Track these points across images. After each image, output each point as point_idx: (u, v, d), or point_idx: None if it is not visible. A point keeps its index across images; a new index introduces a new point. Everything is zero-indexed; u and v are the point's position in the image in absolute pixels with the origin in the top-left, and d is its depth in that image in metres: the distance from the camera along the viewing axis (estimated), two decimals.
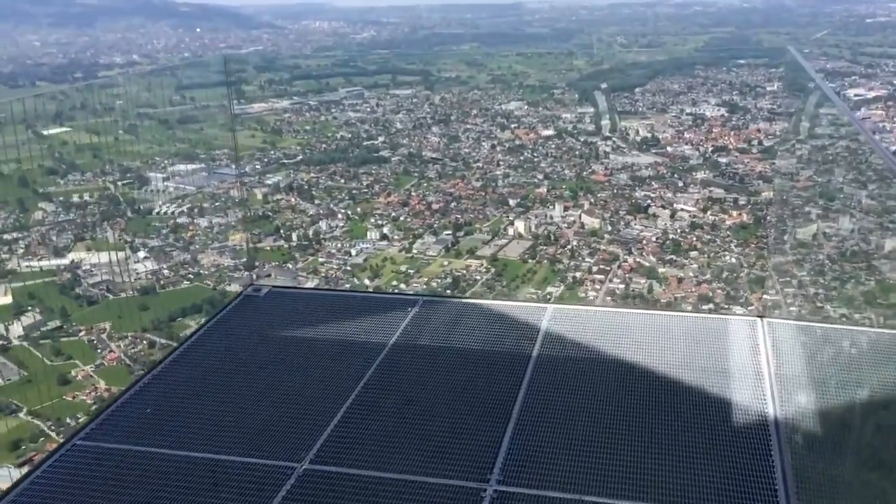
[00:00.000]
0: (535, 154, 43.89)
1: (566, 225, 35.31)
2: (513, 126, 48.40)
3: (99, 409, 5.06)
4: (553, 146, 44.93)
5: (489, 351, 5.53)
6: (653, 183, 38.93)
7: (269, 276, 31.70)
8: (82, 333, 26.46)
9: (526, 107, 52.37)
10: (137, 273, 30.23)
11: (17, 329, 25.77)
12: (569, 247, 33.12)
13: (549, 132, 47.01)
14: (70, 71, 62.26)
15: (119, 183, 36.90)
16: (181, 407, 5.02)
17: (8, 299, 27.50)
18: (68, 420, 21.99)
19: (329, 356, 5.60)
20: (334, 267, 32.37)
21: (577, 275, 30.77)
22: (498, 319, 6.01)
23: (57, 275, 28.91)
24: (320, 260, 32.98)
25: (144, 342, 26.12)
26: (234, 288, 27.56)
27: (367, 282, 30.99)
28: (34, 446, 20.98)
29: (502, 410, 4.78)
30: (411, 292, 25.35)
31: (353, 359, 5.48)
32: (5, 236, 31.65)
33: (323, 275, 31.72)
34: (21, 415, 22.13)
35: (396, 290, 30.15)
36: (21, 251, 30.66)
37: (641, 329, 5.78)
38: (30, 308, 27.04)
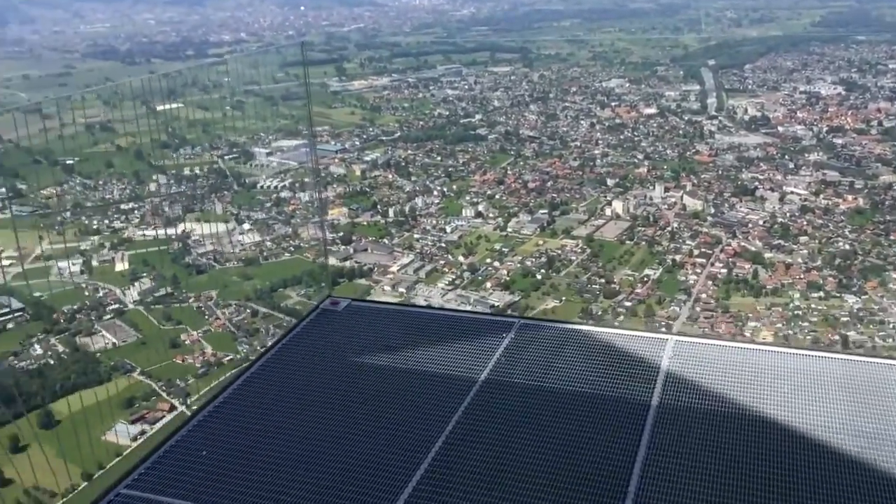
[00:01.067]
0: (635, 133, 42.77)
1: (666, 206, 34.31)
2: (613, 104, 47.27)
3: (153, 448, 4.51)
4: (655, 125, 43.65)
5: (598, 396, 4.68)
6: (761, 164, 37.28)
7: (365, 250, 32.40)
8: (191, 300, 27.84)
9: (627, 84, 51.02)
10: (242, 244, 31.46)
11: (132, 294, 27.40)
12: (668, 229, 32.22)
13: (652, 110, 45.68)
14: (182, 49, 64.97)
15: (226, 157, 38.43)
16: (241, 450, 4.37)
17: (125, 266, 29.27)
18: (178, 381, 23.25)
19: (409, 395, 4.87)
20: (429, 243, 32.70)
21: (677, 258, 29.92)
22: (607, 353, 5.19)
23: (168, 244, 30.46)
24: (416, 236, 33.37)
25: (248, 311, 27.23)
26: (331, 262, 28.29)
27: (461, 258, 31.20)
28: (146, 405, 22.37)
29: (617, 481, 3.91)
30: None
31: (437, 400, 4.73)
32: (122, 206, 33.58)
33: (418, 251, 32.12)
34: (135, 375, 23.56)
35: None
36: (136, 220, 32.48)
37: (786, 374, 4.80)
38: (144, 275, 28.69)
